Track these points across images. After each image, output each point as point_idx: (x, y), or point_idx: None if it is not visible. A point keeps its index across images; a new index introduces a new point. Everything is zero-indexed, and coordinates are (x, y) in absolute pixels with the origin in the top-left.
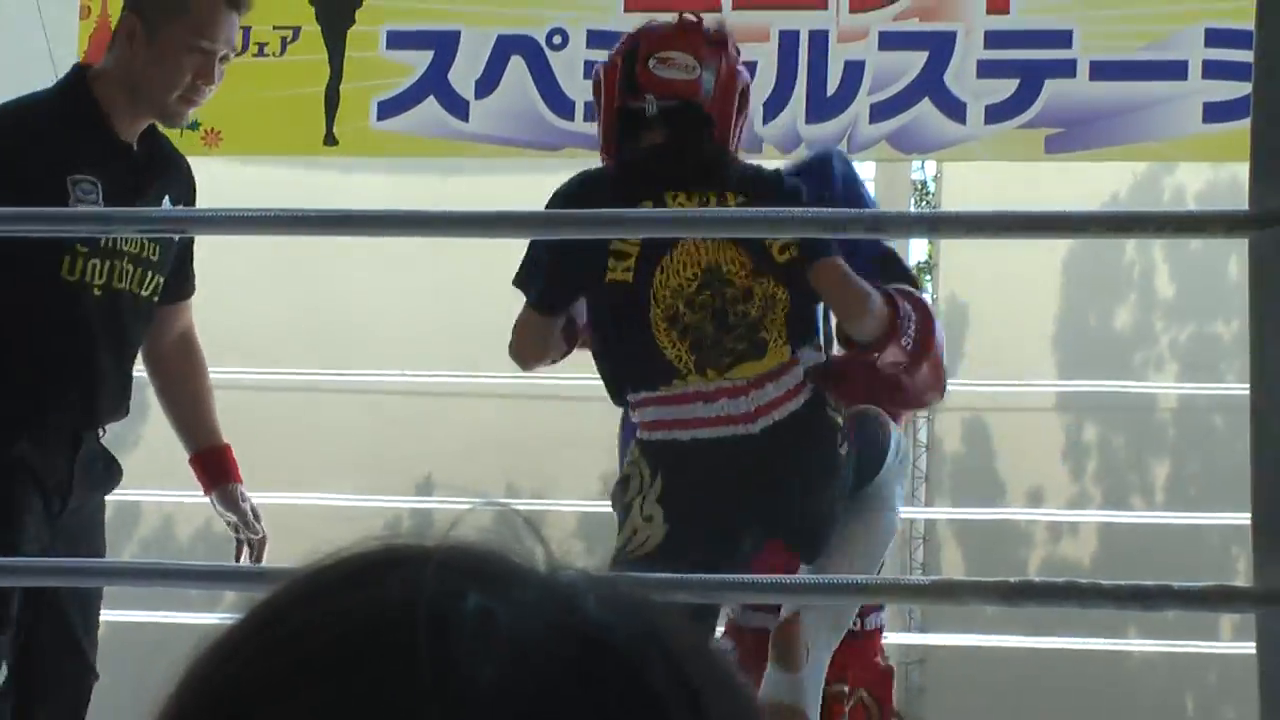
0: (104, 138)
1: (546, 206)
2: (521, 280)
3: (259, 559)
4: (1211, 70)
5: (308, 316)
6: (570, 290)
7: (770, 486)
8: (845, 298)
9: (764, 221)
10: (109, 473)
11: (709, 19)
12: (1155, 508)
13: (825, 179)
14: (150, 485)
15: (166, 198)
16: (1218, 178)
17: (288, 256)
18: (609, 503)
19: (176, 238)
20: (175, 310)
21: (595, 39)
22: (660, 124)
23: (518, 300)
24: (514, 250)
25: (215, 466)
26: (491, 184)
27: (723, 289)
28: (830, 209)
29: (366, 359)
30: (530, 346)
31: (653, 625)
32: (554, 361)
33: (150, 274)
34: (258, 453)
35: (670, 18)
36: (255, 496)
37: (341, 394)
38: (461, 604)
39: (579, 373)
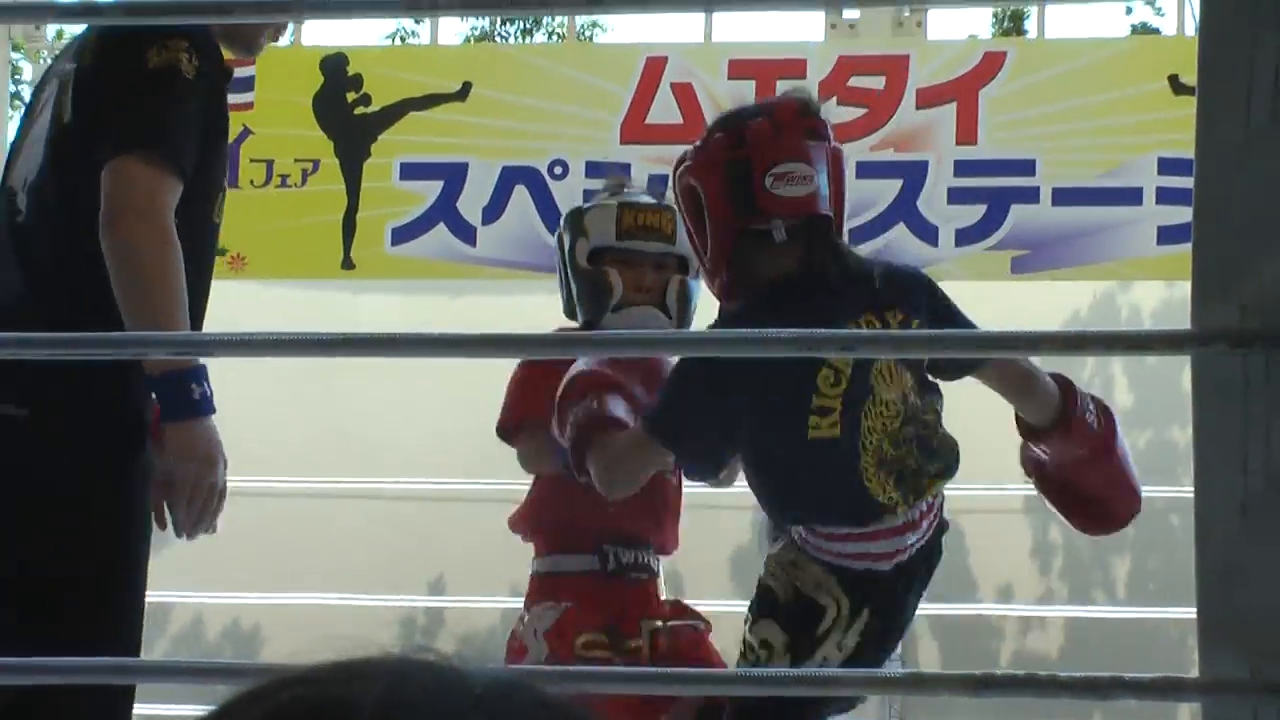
0: None
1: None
2: (670, 431)
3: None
4: (1164, 196)
5: (327, 429)
6: (735, 449)
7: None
8: (1024, 383)
9: (741, 342)
10: None
11: (802, 95)
12: (1117, 602)
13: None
14: (182, 587)
15: None
16: (1172, 295)
17: (307, 373)
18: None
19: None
20: None
21: (593, 169)
22: (788, 245)
23: None
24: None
25: None
26: (497, 304)
27: (921, 417)
28: (809, 330)
29: (381, 467)
30: (635, 480)
31: None
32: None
33: None
34: (282, 555)
35: (770, 95)
36: (280, 597)
37: (358, 500)
38: None
39: None
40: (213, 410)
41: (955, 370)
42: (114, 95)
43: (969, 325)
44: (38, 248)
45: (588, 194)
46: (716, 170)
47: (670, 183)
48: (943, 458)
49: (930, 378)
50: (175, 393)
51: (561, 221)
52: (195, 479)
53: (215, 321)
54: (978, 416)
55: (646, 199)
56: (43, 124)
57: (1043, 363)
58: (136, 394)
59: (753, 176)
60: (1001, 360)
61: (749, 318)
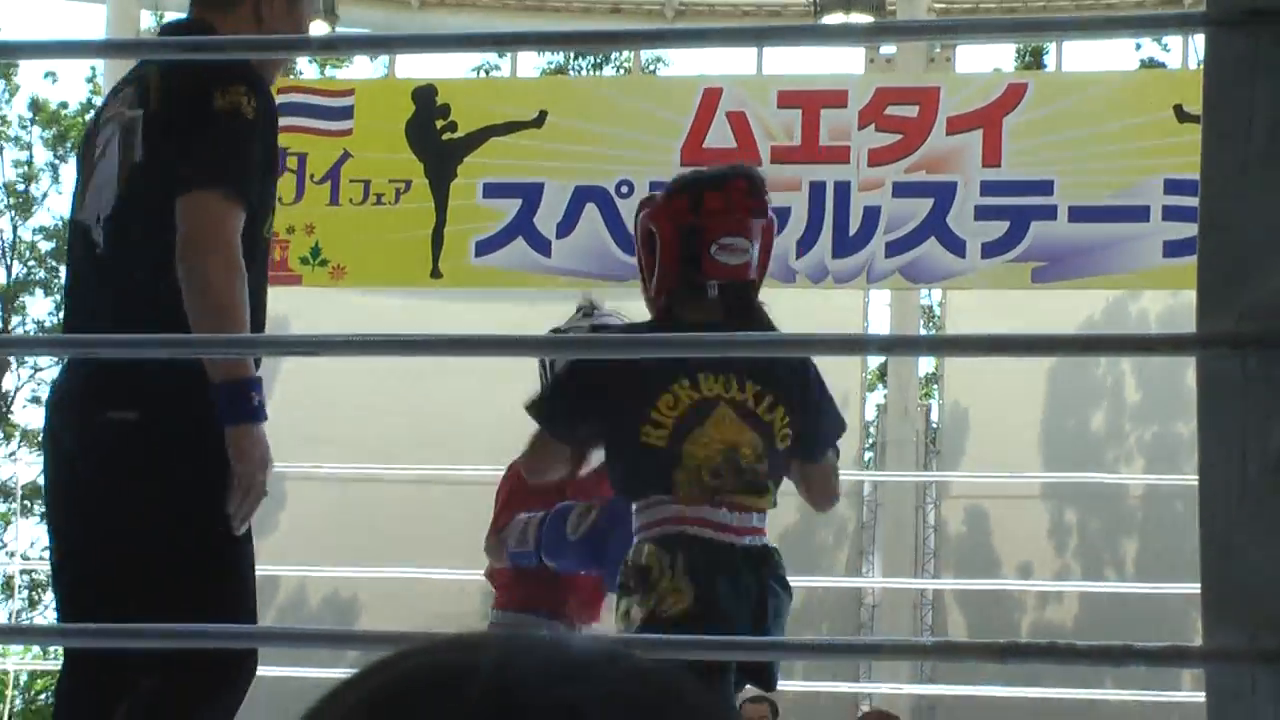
0: None
1: (583, 363)
2: (544, 412)
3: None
4: (1170, 214)
5: (418, 422)
6: (598, 439)
7: (755, 602)
8: (826, 493)
9: (791, 343)
10: None
11: (751, 174)
12: (1126, 579)
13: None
14: (287, 562)
15: None
16: (1176, 303)
17: (402, 371)
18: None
19: None
20: None
21: (656, 188)
22: (715, 299)
23: None
24: None
25: None
26: (570, 310)
27: (740, 467)
28: (852, 333)
29: (464, 456)
30: (548, 468)
31: None
32: (558, 477)
33: None
34: (377, 533)
35: (725, 168)
36: (374, 572)
37: (444, 484)
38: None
39: None
40: (265, 418)
41: (807, 457)
42: (185, 135)
43: (838, 416)
44: (118, 276)
45: None
46: (674, 229)
47: (635, 216)
48: (750, 481)
49: (791, 460)
50: (237, 399)
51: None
52: (250, 478)
53: (318, 326)
54: (1002, 407)
55: (615, 320)
56: (110, 165)
57: (1060, 363)
58: None
59: (703, 243)
60: (823, 474)
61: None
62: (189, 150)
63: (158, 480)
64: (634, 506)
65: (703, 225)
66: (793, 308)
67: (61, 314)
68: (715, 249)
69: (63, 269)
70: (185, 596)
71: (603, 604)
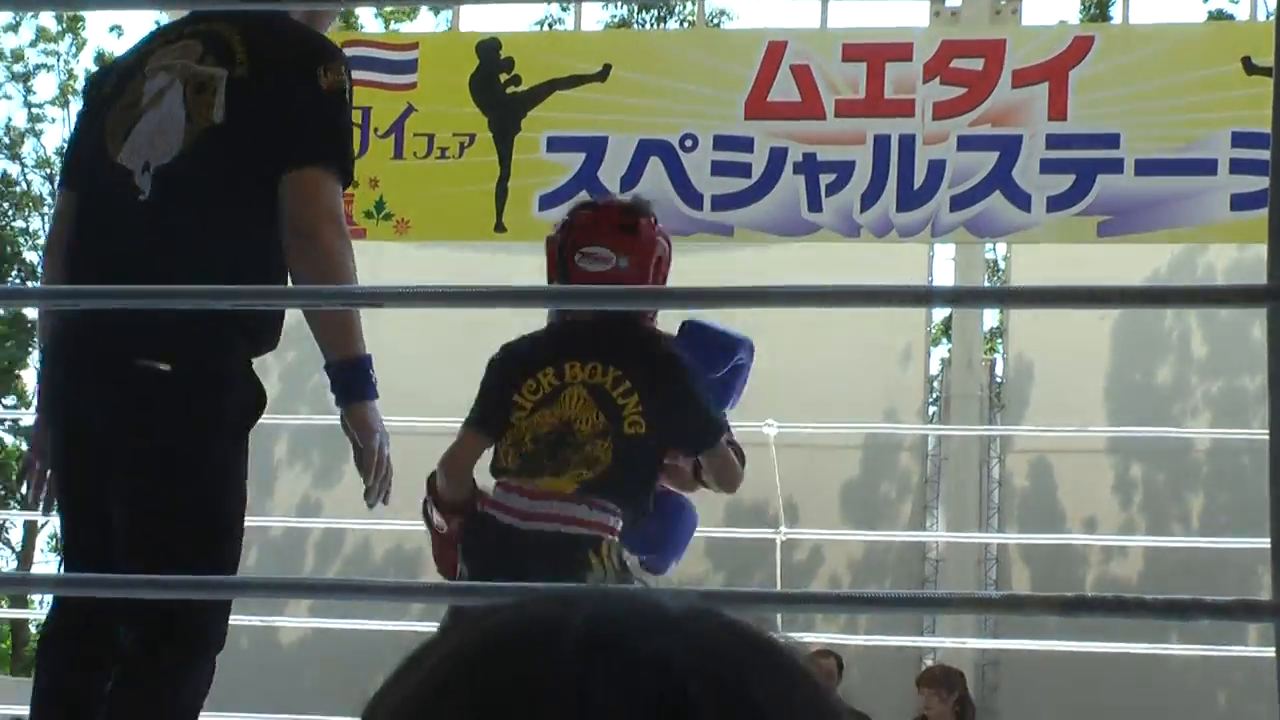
0: None
1: (491, 359)
2: (474, 408)
3: None
4: (1238, 167)
5: (472, 375)
6: (489, 424)
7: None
8: (722, 480)
9: (857, 295)
10: None
11: (631, 202)
12: (1192, 533)
13: (725, 354)
14: (350, 515)
15: None
16: (1243, 257)
17: (465, 325)
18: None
19: None
20: None
21: (720, 142)
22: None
23: None
24: None
25: None
26: None
27: (578, 442)
28: (919, 285)
29: None
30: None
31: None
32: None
33: None
34: None
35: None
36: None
37: None
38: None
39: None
40: (378, 395)
41: (692, 450)
42: (291, 110)
43: (705, 411)
44: (166, 227)
45: (715, 166)
46: (554, 242)
47: None
48: (553, 472)
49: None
50: (359, 377)
51: None
52: (378, 452)
53: (381, 280)
54: (1067, 361)
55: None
56: (167, 116)
57: (1126, 316)
58: (253, 376)
59: (570, 253)
60: (721, 459)
61: (540, 334)
62: (301, 127)
63: (183, 433)
64: None
65: (571, 239)
66: (857, 262)
67: (62, 247)
68: (579, 257)
69: None
70: (192, 548)
71: None
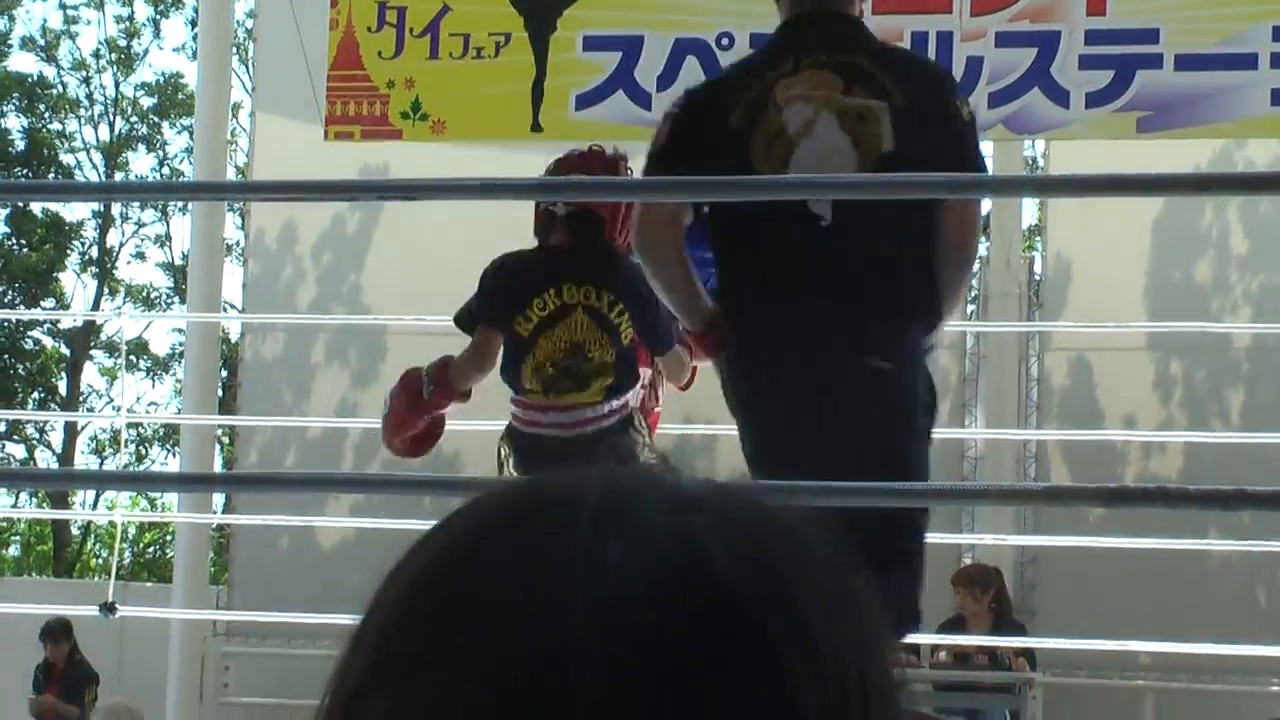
0: None
1: (488, 271)
2: (464, 310)
3: None
4: (1278, 61)
5: None
6: (500, 325)
7: None
8: (675, 376)
9: (900, 185)
10: None
11: (614, 152)
12: (1232, 429)
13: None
14: None
15: None
16: None
17: (500, 227)
18: None
19: None
20: None
21: (759, 40)
22: (565, 224)
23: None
24: None
25: None
26: None
27: (585, 359)
28: (960, 174)
29: None
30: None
31: (784, 587)
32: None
33: None
34: (477, 389)
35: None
36: (472, 424)
37: None
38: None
39: None
40: None
41: (656, 350)
42: (945, 140)
43: (667, 325)
44: (849, 246)
45: None
46: (548, 174)
47: None
48: (577, 383)
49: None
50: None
51: None
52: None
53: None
54: (1106, 259)
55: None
56: (828, 145)
57: (1165, 213)
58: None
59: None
60: (674, 361)
61: (528, 254)
62: (960, 157)
63: (902, 427)
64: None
65: (556, 168)
66: None
67: (755, 271)
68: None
69: (165, 126)
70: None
71: None
